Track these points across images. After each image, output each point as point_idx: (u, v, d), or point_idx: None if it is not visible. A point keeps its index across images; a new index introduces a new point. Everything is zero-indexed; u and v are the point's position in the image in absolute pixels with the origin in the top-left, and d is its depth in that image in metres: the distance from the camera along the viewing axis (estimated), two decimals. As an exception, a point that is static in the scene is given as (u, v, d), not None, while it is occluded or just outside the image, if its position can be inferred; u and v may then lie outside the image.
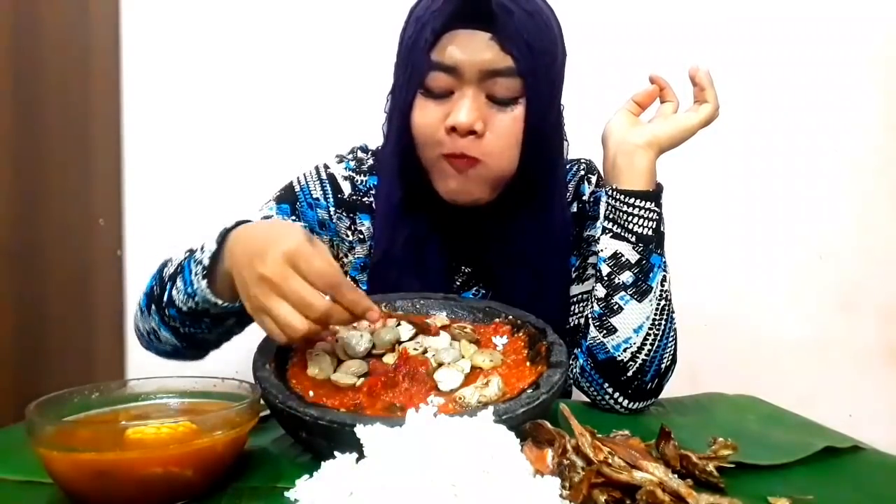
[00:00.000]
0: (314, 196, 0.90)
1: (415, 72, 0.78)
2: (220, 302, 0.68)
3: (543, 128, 0.81)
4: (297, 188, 0.90)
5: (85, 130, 1.44)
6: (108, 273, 1.48)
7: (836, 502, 0.54)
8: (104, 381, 0.61)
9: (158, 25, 1.47)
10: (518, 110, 0.78)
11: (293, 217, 0.88)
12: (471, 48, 0.75)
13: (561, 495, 0.47)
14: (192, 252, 0.73)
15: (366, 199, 0.90)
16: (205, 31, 1.47)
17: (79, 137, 1.43)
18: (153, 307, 0.75)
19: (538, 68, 0.77)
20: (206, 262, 0.67)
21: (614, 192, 0.79)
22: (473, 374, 0.67)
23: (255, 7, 1.46)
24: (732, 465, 0.56)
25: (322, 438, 0.56)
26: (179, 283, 0.71)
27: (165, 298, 0.72)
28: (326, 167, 0.93)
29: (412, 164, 0.82)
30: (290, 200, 0.89)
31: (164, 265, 0.77)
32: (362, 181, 0.91)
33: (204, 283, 0.67)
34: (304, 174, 0.92)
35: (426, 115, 0.79)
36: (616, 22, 1.47)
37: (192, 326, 0.74)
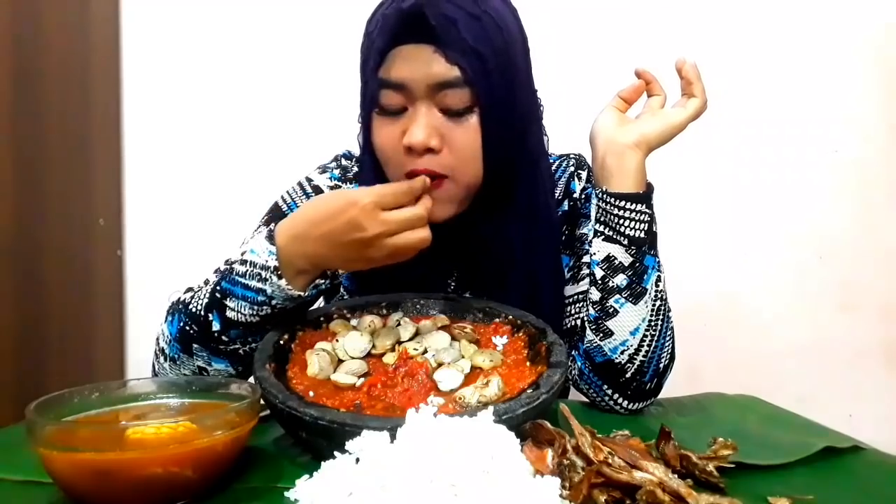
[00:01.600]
0: None
1: (367, 91, 0.78)
2: (303, 294, 0.71)
3: (505, 131, 0.78)
4: (284, 206, 0.89)
5: (85, 130, 1.45)
6: (108, 273, 1.49)
7: (836, 502, 0.54)
8: (104, 381, 0.61)
9: (158, 25, 1.47)
10: (473, 119, 0.76)
11: None
12: (416, 63, 0.74)
13: (561, 495, 0.47)
14: (228, 271, 0.72)
15: None
16: (205, 32, 1.47)
17: (79, 137, 1.44)
18: (195, 345, 0.74)
19: (490, 73, 0.75)
20: (272, 263, 0.70)
21: (605, 195, 0.78)
22: (473, 374, 0.67)
23: (255, 7, 1.47)
24: (732, 465, 0.56)
25: (322, 438, 0.56)
26: (233, 302, 0.71)
27: (218, 327, 0.72)
28: (310, 180, 0.91)
29: (384, 179, 0.81)
30: (276, 217, 0.86)
31: (180, 306, 0.76)
32: (348, 188, 0.90)
33: (283, 282, 0.70)
34: (288, 191, 0.91)
35: (384, 135, 0.78)
36: (603, 15, 1.46)
37: (250, 335, 0.73)
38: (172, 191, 1.50)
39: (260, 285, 0.70)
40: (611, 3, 1.46)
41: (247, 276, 0.71)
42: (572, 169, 0.93)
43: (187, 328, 0.74)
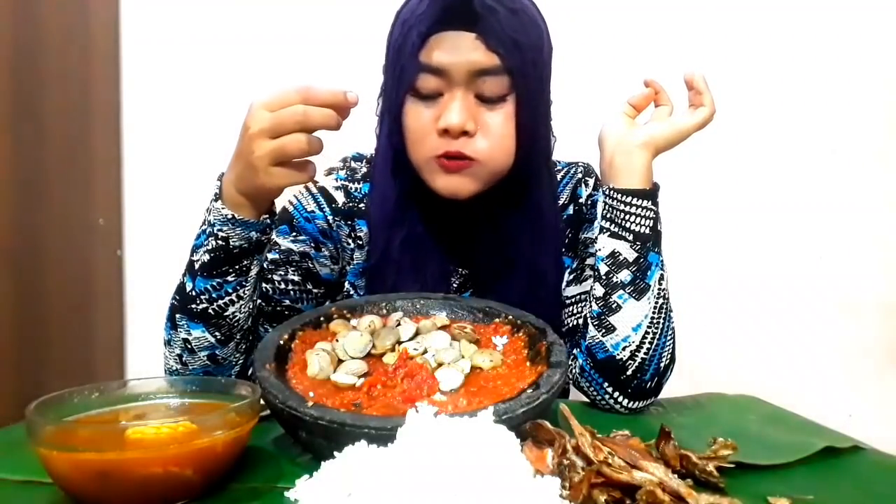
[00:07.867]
0: (309, 210, 0.90)
1: (403, 75, 0.79)
2: (237, 215, 0.71)
3: (533, 122, 0.82)
4: (291, 208, 0.90)
5: (85, 130, 1.45)
6: (108, 273, 1.49)
7: (836, 502, 0.54)
8: (104, 381, 0.61)
9: (158, 25, 1.47)
10: (508, 107, 0.80)
11: (293, 234, 0.89)
12: (457, 49, 0.77)
13: (561, 495, 0.47)
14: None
15: (361, 205, 0.90)
16: (205, 31, 1.47)
17: (79, 137, 1.44)
18: (177, 316, 0.76)
19: (525, 64, 0.79)
20: (214, 192, 0.73)
21: (611, 192, 0.80)
22: (473, 374, 0.67)
23: (255, 7, 1.47)
24: (732, 465, 0.56)
25: (322, 438, 0.56)
26: (196, 254, 0.74)
27: (190, 284, 0.74)
28: (315, 182, 0.92)
29: (404, 163, 0.83)
30: (286, 220, 0.89)
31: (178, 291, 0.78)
32: (356, 188, 0.91)
33: (218, 203, 0.71)
34: (294, 195, 0.92)
35: (417, 118, 0.80)
36: (613, 24, 1.47)
37: (215, 291, 0.74)
38: (172, 191, 1.50)
39: (206, 216, 0.73)
40: (623, 12, 1.47)
41: (202, 223, 0.74)
42: (580, 175, 0.95)
43: (173, 301, 0.77)
